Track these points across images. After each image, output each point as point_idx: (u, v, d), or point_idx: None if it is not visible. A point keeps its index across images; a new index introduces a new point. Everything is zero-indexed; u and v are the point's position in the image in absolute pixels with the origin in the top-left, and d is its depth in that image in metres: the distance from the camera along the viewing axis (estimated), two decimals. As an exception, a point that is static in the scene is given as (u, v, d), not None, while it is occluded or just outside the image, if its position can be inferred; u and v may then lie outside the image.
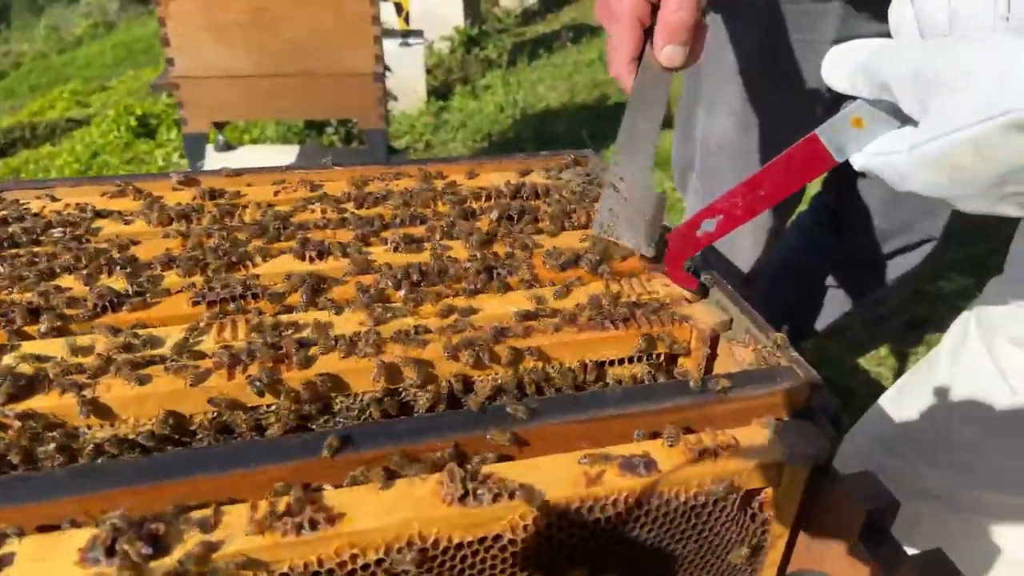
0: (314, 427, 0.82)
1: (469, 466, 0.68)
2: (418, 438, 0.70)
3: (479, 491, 0.66)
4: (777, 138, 1.60)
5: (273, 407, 0.81)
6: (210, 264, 0.96)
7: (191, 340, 0.84)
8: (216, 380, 0.78)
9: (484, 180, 1.24)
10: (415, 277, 0.95)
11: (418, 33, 5.65)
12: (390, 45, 5.13)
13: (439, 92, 5.81)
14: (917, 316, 2.95)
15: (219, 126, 3.93)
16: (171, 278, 0.95)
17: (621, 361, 0.91)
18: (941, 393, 1.18)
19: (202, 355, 0.81)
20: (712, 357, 0.93)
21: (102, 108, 6.56)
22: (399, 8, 5.53)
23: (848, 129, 0.78)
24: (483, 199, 1.18)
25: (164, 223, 1.07)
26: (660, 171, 4.15)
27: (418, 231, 1.08)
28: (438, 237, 1.06)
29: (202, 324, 0.87)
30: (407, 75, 5.39)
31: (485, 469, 0.69)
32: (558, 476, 0.69)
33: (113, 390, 0.76)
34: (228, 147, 4.07)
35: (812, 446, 0.75)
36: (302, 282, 0.93)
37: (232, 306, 0.91)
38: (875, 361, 2.76)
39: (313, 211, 1.12)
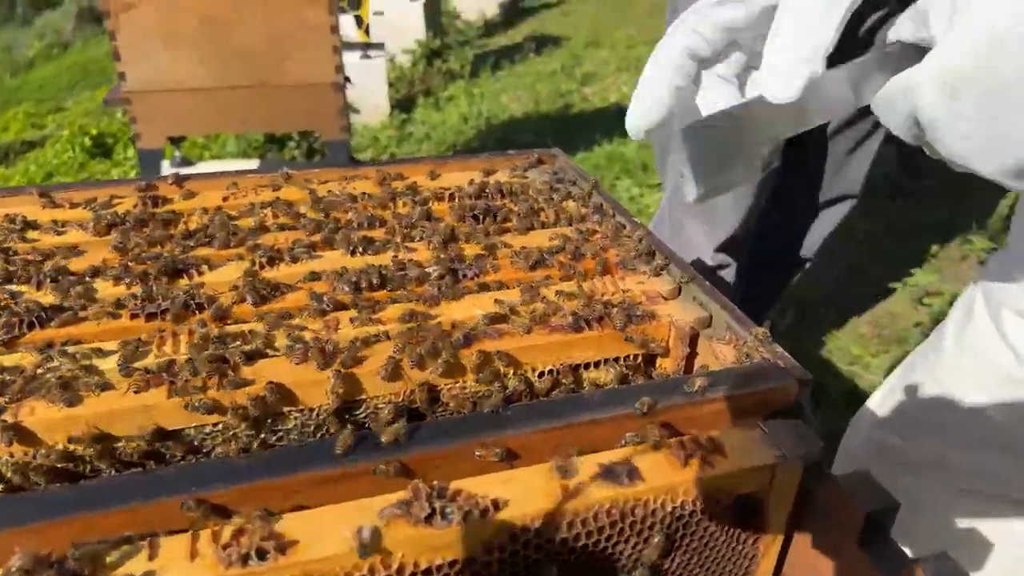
0: (266, 445, 0.75)
1: (436, 482, 0.62)
2: (378, 455, 0.63)
3: (447, 509, 0.60)
4: None
5: (220, 426, 0.74)
6: (151, 274, 0.89)
7: (128, 356, 0.77)
8: (156, 398, 0.71)
9: (447, 180, 1.19)
10: (374, 281, 0.89)
11: (379, 46, 5.59)
12: (351, 58, 5.06)
13: (402, 104, 5.75)
14: (881, 311, 2.95)
15: (176, 141, 3.82)
16: (107, 289, 0.87)
17: (597, 364, 0.85)
18: (950, 369, 1.14)
19: (141, 372, 0.74)
20: (692, 356, 0.88)
21: (57, 129, 6.39)
22: (359, 21, 5.47)
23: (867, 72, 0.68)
24: (446, 199, 1.12)
25: (101, 233, 0.99)
26: (628, 178, 4.14)
27: (377, 233, 1.01)
28: (399, 239, 1.00)
29: (142, 338, 0.79)
30: (369, 87, 5.33)
31: (454, 485, 0.62)
32: (534, 489, 0.63)
33: (37, 412, 0.68)
34: (186, 163, 3.96)
35: (803, 446, 0.70)
36: (251, 290, 0.86)
37: (174, 318, 0.84)
38: (845, 359, 2.75)
39: (264, 216, 1.05)
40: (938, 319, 2.05)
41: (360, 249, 0.96)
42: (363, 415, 0.78)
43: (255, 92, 3.22)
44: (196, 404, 0.71)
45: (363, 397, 0.77)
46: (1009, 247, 1.15)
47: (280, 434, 0.76)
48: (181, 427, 0.73)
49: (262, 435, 0.75)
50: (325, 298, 0.85)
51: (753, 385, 0.74)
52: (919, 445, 1.18)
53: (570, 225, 1.07)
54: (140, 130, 3.20)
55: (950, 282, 2.98)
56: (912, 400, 1.21)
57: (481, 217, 1.07)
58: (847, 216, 2.24)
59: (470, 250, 0.99)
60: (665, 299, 0.91)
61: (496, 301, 0.88)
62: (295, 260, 0.94)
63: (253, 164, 4.26)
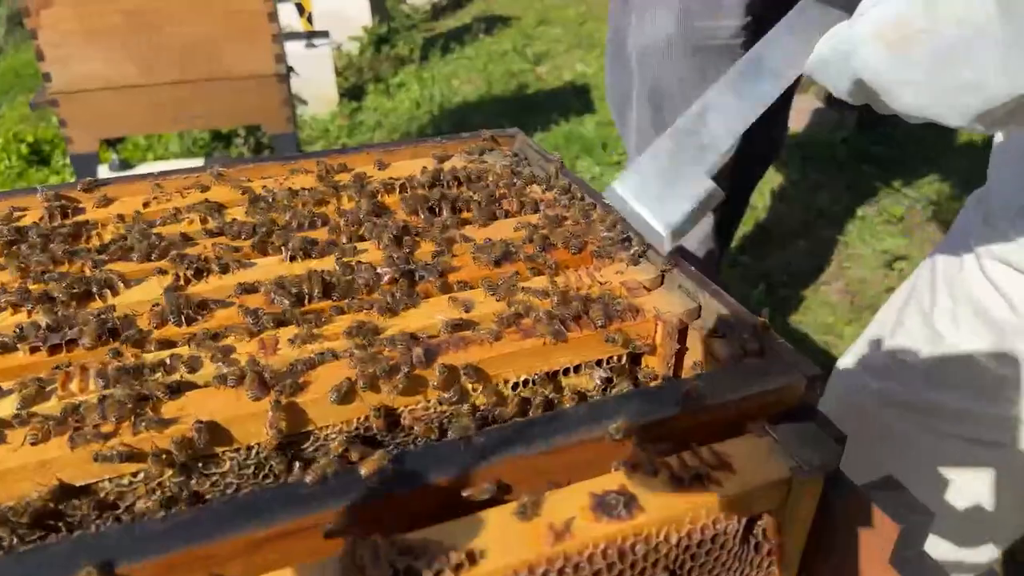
0: (198, 495, 0.64)
1: (397, 536, 0.51)
2: (323, 504, 0.53)
3: (415, 567, 0.50)
4: (722, 29, 1.50)
5: (140, 475, 0.62)
6: (56, 297, 0.77)
7: (27, 399, 0.64)
8: (58, 449, 0.60)
9: (396, 170, 1.07)
10: (316, 290, 0.78)
11: (323, 34, 5.39)
12: (295, 48, 4.87)
13: (352, 93, 5.57)
14: (851, 278, 2.91)
15: (113, 144, 3.62)
16: (3, 319, 0.75)
17: (577, 368, 0.75)
18: (946, 320, 1.14)
19: (39, 418, 0.62)
20: (682, 353, 0.78)
21: (-9, 137, 6.08)
22: (301, 9, 5.27)
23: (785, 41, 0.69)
24: (396, 190, 1.01)
25: (-1, 251, 0.86)
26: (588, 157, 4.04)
27: (319, 234, 0.90)
28: (344, 239, 0.89)
29: (43, 376, 0.67)
30: (316, 78, 5.14)
31: (418, 535, 0.52)
32: (515, 533, 0.53)
33: (-94, 479, 0.56)
34: (126, 166, 3.76)
35: (820, 453, 0.61)
36: (173, 309, 0.74)
37: (84, 348, 0.72)
38: (820, 330, 2.70)
39: (191, 221, 0.93)
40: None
41: (300, 254, 0.85)
42: (310, 448, 0.68)
43: (191, 87, 3.05)
44: (107, 453, 0.60)
45: (309, 428, 0.66)
46: (989, 197, 1.14)
47: (214, 478, 0.65)
48: (93, 480, 0.61)
49: (192, 480, 0.64)
50: (260, 313, 0.74)
51: (756, 385, 0.65)
52: (907, 388, 1.19)
53: (536, 212, 0.97)
54: (70, 133, 3.01)
55: (918, 245, 2.95)
56: (898, 346, 1.22)
57: (437, 209, 0.96)
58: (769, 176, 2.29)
59: (426, 247, 0.88)
60: (647, 290, 0.81)
61: (459, 305, 0.77)
62: (225, 270, 0.82)
63: (198, 163, 4.07)
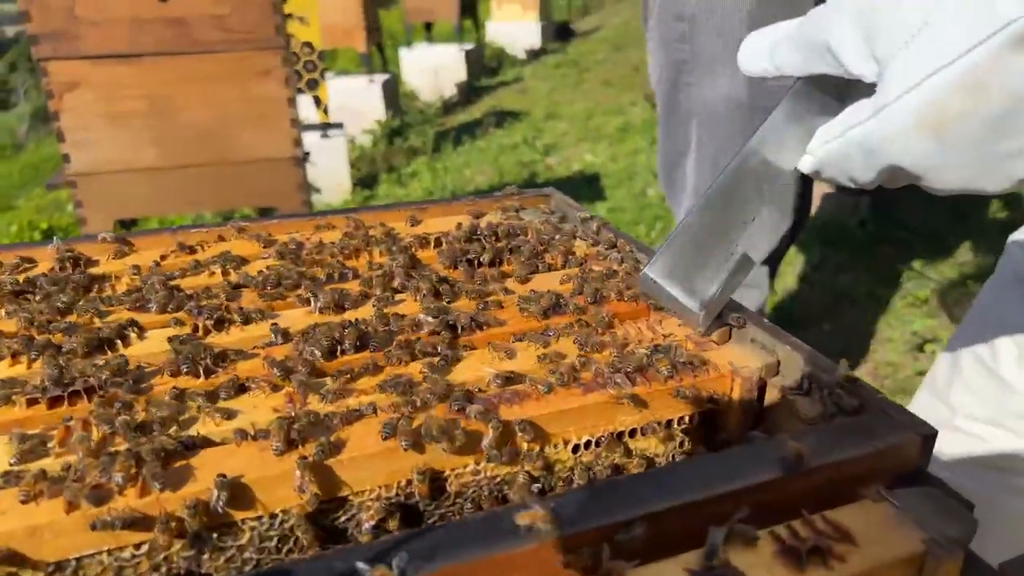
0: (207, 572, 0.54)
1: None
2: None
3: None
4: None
5: (144, 548, 0.53)
6: (62, 348, 0.69)
7: (21, 456, 0.56)
8: (51, 514, 0.51)
9: (429, 226, 1.01)
10: (347, 342, 0.70)
11: (338, 125, 5.51)
12: (311, 138, 4.96)
13: (365, 182, 5.63)
14: (880, 362, 2.81)
15: (126, 225, 3.61)
16: (1, 369, 0.67)
17: (644, 431, 0.66)
18: (1006, 361, 1.09)
19: (30, 476, 0.53)
20: (760, 413, 0.69)
21: (7, 226, 6.15)
22: (318, 101, 5.40)
23: (781, 131, 0.67)
24: (432, 245, 0.94)
25: (1, 303, 0.79)
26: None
27: (351, 286, 0.83)
28: (378, 291, 0.82)
29: (39, 430, 0.59)
30: (330, 166, 5.21)
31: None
32: (603, 616, 0.43)
33: None
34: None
35: (956, 525, 0.51)
36: (188, 359, 0.66)
37: (90, 401, 0.63)
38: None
39: (212, 273, 0.86)
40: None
41: (332, 306, 0.77)
42: (343, 519, 0.58)
43: (208, 171, 3.06)
44: (107, 519, 0.50)
45: (345, 494, 0.57)
46: None
47: (230, 552, 0.55)
48: (88, 552, 0.52)
49: (204, 555, 0.54)
50: (288, 365, 0.66)
51: (865, 444, 0.56)
52: (976, 445, 1.12)
53: (581, 267, 0.90)
54: (85, 214, 3.00)
55: (947, 327, 2.87)
56: (963, 401, 1.16)
57: (476, 262, 0.89)
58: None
59: (467, 300, 0.80)
60: (716, 344, 0.73)
61: (509, 357, 0.69)
62: (247, 322, 0.74)
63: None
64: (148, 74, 2.88)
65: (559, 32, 11.12)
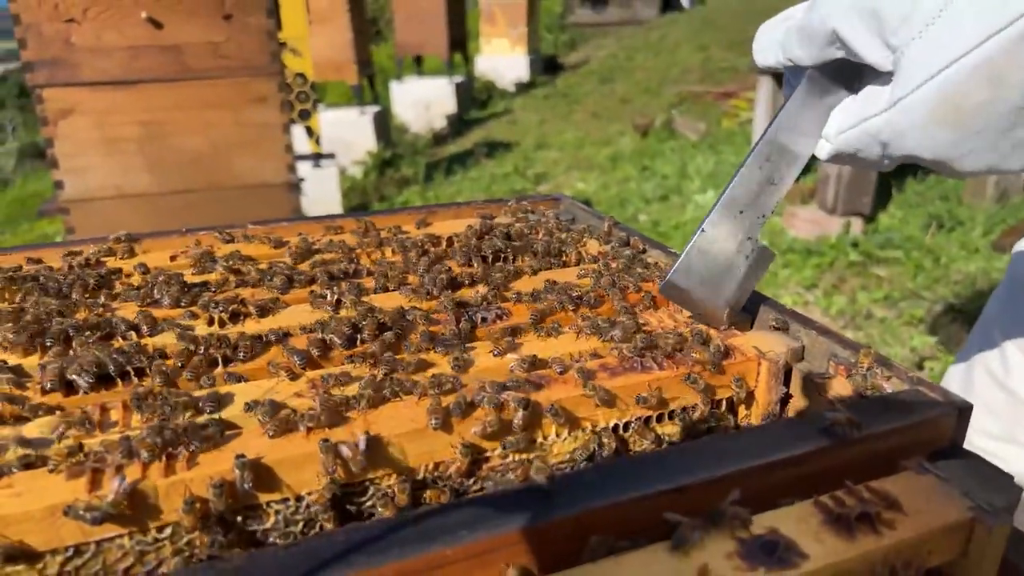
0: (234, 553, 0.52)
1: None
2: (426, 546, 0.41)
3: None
4: None
5: (167, 531, 0.51)
6: (72, 338, 0.67)
7: (39, 438, 0.54)
8: (70, 495, 0.49)
9: (440, 228, 1.00)
10: (367, 330, 0.68)
11: (330, 156, 5.53)
12: (303, 167, 4.96)
13: (356, 211, 5.64)
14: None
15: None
16: (12, 359, 0.65)
17: (671, 415, 0.65)
18: (1018, 374, 1.08)
19: (53, 457, 0.51)
20: (786, 397, 0.68)
21: (-9, 260, 6.11)
22: (310, 131, 5.43)
23: (797, 118, 0.67)
24: (444, 244, 0.93)
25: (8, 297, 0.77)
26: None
27: (365, 282, 0.82)
28: (392, 286, 0.81)
29: (57, 413, 0.57)
30: (322, 196, 5.22)
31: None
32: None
33: None
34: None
35: (1001, 494, 0.50)
36: (204, 347, 0.64)
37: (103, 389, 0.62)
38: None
39: (222, 273, 0.85)
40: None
41: (347, 299, 0.76)
42: (368, 502, 0.56)
43: (202, 196, 3.05)
44: (125, 500, 0.48)
45: (377, 475, 0.55)
46: None
47: (256, 532, 0.53)
48: (109, 535, 0.50)
49: (229, 537, 0.52)
50: (308, 352, 0.64)
51: (904, 417, 0.55)
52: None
53: (597, 262, 0.89)
54: (77, 241, 2.96)
55: (946, 344, 2.87)
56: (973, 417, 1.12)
57: (490, 258, 0.88)
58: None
59: (483, 292, 0.79)
60: (739, 330, 0.72)
61: (533, 340, 0.68)
62: (263, 314, 0.73)
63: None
64: (143, 100, 2.88)
65: (547, 66, 11.28)
